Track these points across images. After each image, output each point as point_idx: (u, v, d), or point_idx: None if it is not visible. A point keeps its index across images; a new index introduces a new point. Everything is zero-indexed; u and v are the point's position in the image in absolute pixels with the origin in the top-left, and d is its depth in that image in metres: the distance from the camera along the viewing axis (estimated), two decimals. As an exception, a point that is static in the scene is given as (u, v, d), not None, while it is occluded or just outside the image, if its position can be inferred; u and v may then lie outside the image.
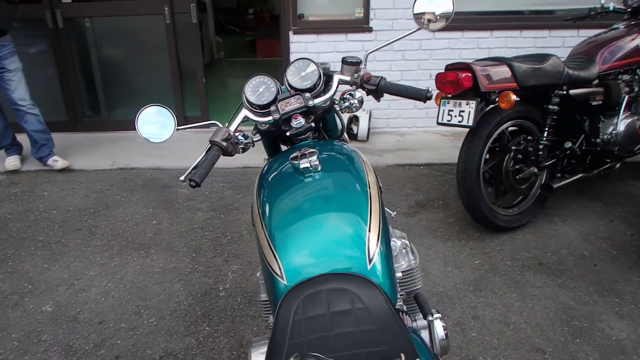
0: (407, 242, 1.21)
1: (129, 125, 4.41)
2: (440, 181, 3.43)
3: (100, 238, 2.73)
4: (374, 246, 0.94)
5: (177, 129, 1.27)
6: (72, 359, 1.88)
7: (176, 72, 4.17)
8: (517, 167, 2.61)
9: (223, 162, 1.56)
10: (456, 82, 2.32)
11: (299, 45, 4.16)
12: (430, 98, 1.26)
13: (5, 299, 2.23)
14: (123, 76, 4.35)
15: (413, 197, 3.17)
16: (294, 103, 1.26)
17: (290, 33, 4.11)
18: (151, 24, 4.08)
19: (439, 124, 2.52)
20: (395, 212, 1.59)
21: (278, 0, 4.67)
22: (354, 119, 4.20)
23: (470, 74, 2.30)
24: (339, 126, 1.49)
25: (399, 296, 1.10)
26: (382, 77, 1.32)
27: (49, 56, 4.11)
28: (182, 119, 4.25)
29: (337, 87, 1.34)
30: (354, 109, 1.39)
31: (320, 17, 4.18)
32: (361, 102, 1.39)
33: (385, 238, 1.00)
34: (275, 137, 1.41)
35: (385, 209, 1.54)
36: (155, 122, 1.25)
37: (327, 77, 1.35)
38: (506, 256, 2.48)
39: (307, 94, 1.27)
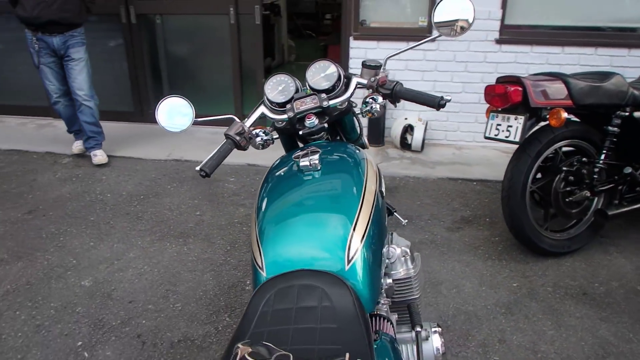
0: (409, 250, 1.17)
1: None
2: (491, 198, 3.28)
3: (145, 223, 2.86)
4: (355, 247, 0.92)
5: (195, 120, 1.31)
6: (99, 332, 1.98)
7: (237, 71, 4.30)
8: (568, 189, 2.45)
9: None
10: (504, 95, 2.22)
11: (359, 51, 4.15)
12: (443, 106, 1.22)
13: (51, 271, 2.40)
14: (187, 72, 4.56)
15: (459, 212, 3.06)
16: (309, 103, 1.26)
17: (351, 39, 4.12)
18: (217, 23, 4.24)
19: (486, 138, 2.42)
20: (406, 221, 1.55)
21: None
22: (409, 129, 4.13)
23: (520, 88, 2.19)
24: (358, 130, 1.47)
25: (383, 302, 1.06)
26: (397, 82, 1.30)
27: (121, 49, 4.40)
28: (241, 117, 4.36)
29: (355, 89, 1.33)
30: (375, 113, 1.37)
31: (382, 24, 4.16)
32: (383, 106, 1.37)
33: (373, 242, 0.98)
34: (292, 136, 1.42)
35: (396, 214, 1.50)
36: (175, 113, 1.29)
37: (348, 79, 1.34)
38: (548, 282, 2.33)
39: (324, 95, 1.27)
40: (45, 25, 3.37)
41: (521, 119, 2.24)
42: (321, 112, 1.28)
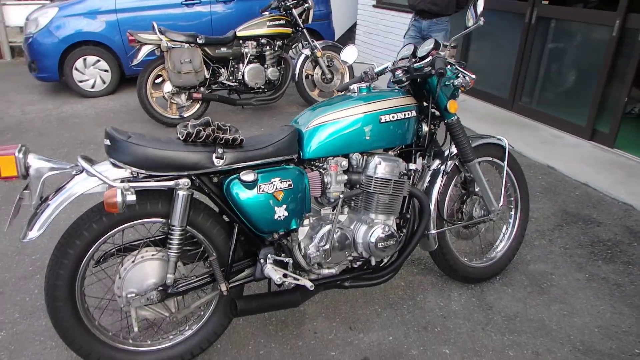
0: None
1: (544, 118, 4.98)
2: None
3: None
4: None
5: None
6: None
7: (601, 86, 4.25)
8: None
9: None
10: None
11: None
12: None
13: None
14: (557, 74, 4.80)
15: None
16: (404, 62, 2.07)
17: None
18: (598, 34, 4.28)
19: None
20: None
21: None
22: None
23: None
24: (444, 100, 2.13)
25: None
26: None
27: (515, 45, 5.08)
28: (590, 132, 4.37)
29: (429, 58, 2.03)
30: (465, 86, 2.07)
31: None
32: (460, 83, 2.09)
33: None
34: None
35: None
36: None
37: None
38: None
39: (414, 58, 2.04)
40: (419, 12, 4.55)
41: None
42: (406, 70, 2.04)
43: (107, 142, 1.75)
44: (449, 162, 2.34)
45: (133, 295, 1.82)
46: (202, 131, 1.78)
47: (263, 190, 1.84)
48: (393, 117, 2.04)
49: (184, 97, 4.78)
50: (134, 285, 1.83)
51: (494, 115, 5.19)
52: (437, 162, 2.37)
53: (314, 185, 1.98)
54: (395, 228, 2.14)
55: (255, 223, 1.87)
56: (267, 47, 4.98)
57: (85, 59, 5.64)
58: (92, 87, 5.79)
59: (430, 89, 2.16)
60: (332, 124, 1.97)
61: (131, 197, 1.64)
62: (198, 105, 4.92)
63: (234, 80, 4.95)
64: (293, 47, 5.36)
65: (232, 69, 4.95)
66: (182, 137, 1.79)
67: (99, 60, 5.70)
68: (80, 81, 5.70)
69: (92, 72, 5.72)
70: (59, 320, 1.78)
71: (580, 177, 3.80)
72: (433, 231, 2.30)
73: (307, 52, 5.21)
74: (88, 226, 1.75)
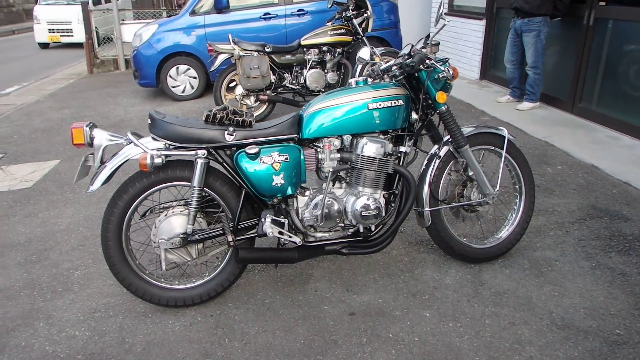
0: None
1: (603, 120, 4.89)
2: None
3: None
4: None
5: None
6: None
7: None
8: None
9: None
10: None
11: None
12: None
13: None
14: (620, 76, 4.66)
15: None
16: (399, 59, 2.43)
17: None
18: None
19: None
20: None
21: None
22: None
23: None
24: (433, 91, 2.44)
25: None
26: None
27: (574, 47, 5.02)
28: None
29: (413, 56, 2.35)
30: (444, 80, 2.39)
31: None
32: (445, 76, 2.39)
33: None
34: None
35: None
36: None
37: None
38: None
39: (406, 57, 2.37)
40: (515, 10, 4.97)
41: None
42: (400, 66, 2.35)
43: (149, 121, 2.30)
44: (443, 148, 2.60)
45: (163, 240, 2.34)
46: (217, 114, 2.27)
47: (263, 162, 2.27)
48: (380, 104, 2.36)
49: (252, 99, 5.40)
50: (165, 233, 2.35)
51: (552, 117, 5.16)
52: (435, 147, 2.64)
53: (309, 160, 2.37)
54: (383, 202, 2.45)
55: (257, 188, 2.31)
56: (328, 54, 5.45)
57: (177, 68, 6.53)
58: (183, 91, 6.66)
59: (420, 81, 2.46)
60: (327, 110, 2.35)
61: (157, 160, 2.16)
62: (265, 107, 5.52)
63: (297, 84, 5.48)
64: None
65: (295, 73, 5.48)
66: (203, 118, 2.29)
67: (189, 69, 6.57)
68: (173, 87, 6.60)
69: (183, 79, 6.60)
70: (109, 255, 2.35)
71: (622, 176, 3.75)
72: (427, 209, 2.57)
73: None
74: (132, 184, 2.30)
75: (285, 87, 5.49)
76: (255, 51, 5.21)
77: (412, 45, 2.52)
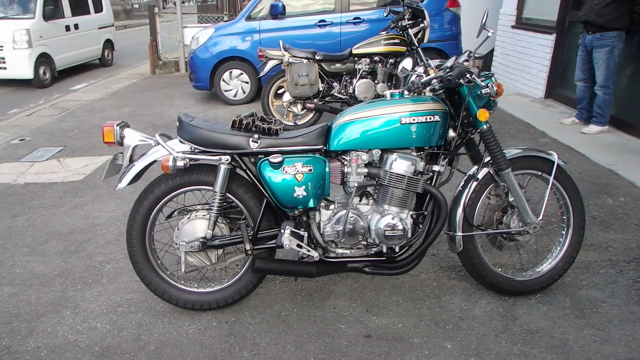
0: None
1: None
2: None
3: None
4: None
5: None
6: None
7: None
8: None
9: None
10: None
11: None
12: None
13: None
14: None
15: None
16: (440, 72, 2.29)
17: None
18: None
19: None
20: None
21: None
22: None
23: None
24: (474, 108, 2.29)
25: None
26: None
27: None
28: None
29: (453, 69, 2.21)
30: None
31: None
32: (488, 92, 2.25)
33: None
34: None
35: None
36: None
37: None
38: None
39: (447, 70, 2.24)
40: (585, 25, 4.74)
41: None
42: (440, 79, 2.23)
43: (178, 124, 2.32)
44: (482, 170, 2.45)
45: (184, 243, 2.35)
46: (244, 120, 2.25)
47: (286, 172, 2.23)
48: (414, 119, 2.25)
49: (299, 106, 5.40)
50: (186, 235, 2.36)
51: (620, 143, 4.74)
52: (474, 168, 2.49)
53: (334, 173, 2.31)
54: (410, 222, 2.34)
55: (278, 198, 2.27)
56: (380, 64, 5.35)
57: (231, 72, 6.66)
58: (234, 96, 6.79)
59: (461, 97, 2.33)
60: (356, 122, 2.27)
61: (180, 163, 2.17)
62: (311, 115, 5.51)
63: (345, 94, 5.42)
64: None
65: (344, 83, 5.43)
66: (230, 124, 2.28)
67: (242, 73, 6.68)
68: (226, 90, 6.75)
69: (235, 83, 6.72)
70: (132, 252, 2.38)
71: (693, 213, 3.40)
72: (459, 234, 2.42)
73: (420, 70, 5.44)
74: (158, 185, 2.33)
75: (333, 96, 5.44)
76: (305, 58, 5.21)
77: (456, 58, 2.40)
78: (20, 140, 5.44)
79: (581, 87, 5.15)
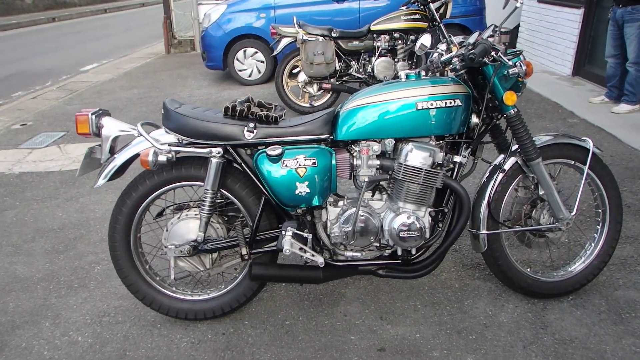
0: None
1: None
2: None
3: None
4: None
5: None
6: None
7: None
8: None
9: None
10: None
11: None
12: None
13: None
14: None
15: None
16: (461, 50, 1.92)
17: None
18: None
19: None
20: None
21: None
22: None
23: None
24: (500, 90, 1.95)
25: None
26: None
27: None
28: None
29: (476, 45, 1.86)
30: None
31: None
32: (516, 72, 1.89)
33: None
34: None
35: None
36: None
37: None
38: None
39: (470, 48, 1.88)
40: None
41: None
42: (462, 58, 1.87)
43: (162, 111, 2.02)
44: (509, 160, 2.09)
45: (173, 246, 2.07)
46: (238, 106, 1.93)
47: (286, 166, 1.91)
48: (432, 104, 1.90)
49: (315, 87, 5.04)
50: (176, 238, 2.07)
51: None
52: (500, 158, 2.14)
53: (342, 166, 1.98)
54: (428, 221, 2.00)
55: (277, 195, 1.96)
56: (400, 41, 4.93)
57: (245, 51, 6.32)
58: (249, 76, 6.46)
59: (486, 78, 1.97)
60: (367, 107, 1.93)
61: (162, 158, 1.87)
62: (328, 95, 5.14)
63: (363, 73, 5.03)
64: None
65: (363, 61, 5.03)
66: (223, 111, 1.96)
67: (256, 52, 6.34)
68: (240, 70, 6.41)
69: (250, 62, 6.39)
70: (116, 258, 2.12)
71: None
72: (483, 232, 2.09)
73: (443, 47, 5.01)
74: (142, 182, 2.05)
75: (351, 75, 5.06)
76: (321, 36, 4.82)
77: (479, 33, 2.02)
78: (21, 125, 5.23)
79: (612, 64, 4.72)
